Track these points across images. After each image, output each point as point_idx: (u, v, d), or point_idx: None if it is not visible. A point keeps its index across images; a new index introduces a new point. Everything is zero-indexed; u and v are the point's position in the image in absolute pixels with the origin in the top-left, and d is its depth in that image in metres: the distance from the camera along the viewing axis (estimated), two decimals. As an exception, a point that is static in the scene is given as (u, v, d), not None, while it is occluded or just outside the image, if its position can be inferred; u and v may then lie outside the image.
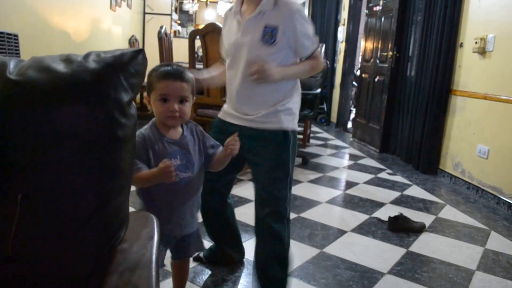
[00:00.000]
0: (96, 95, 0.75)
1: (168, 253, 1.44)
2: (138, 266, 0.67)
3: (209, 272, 1.82)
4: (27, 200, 0.70)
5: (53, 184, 0.71)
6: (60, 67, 0.78)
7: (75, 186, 0.72)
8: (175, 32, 7.83)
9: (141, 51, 0.86)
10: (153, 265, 0.68)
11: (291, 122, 1.59)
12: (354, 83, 6.25)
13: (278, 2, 1.52)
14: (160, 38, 3.43)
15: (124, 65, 0.82)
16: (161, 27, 3.51)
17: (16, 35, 1.57)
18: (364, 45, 5.37)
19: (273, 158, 1.56)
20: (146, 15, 7.06)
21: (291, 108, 1.59)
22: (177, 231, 1.35)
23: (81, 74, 0.76)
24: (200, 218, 1.54)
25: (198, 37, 2.97)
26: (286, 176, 1.57)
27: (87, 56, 0.82)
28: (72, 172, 0.71)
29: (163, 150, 1.25)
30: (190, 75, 1.28)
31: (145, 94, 1.30)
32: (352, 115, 6.01)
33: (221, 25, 2.97)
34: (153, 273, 0.66)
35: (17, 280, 0.68)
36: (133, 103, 0.86)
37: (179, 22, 8.52)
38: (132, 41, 4.95)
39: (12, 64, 0.80)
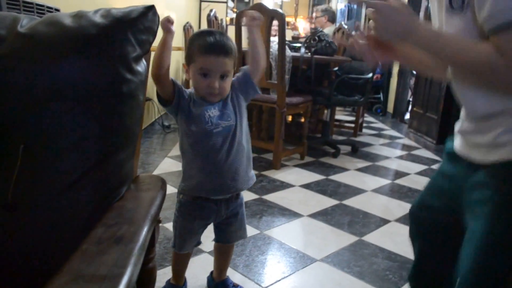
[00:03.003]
0: (99, 49, 0.74)
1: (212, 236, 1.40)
2: (129, 221, 0.65)
3: (260, 263, 1.79)
4: (28, 151, 0.70)
5: (54, 135, 0.71)
6: (68, 21, 0.77)
7: (75, 138, 0.71)
8: (231, 20, 7.87)
9: (152, 8, 0.83)
10: (146, 224, 0.66)
11: None
12: (413, 71, 5.92)
13: None
14: (209, 21, 3.43)
15: (132, 21, 0.79)
16: (211, 10, 3.51)
17: (57, 10, 1.61)
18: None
19: (493, 225, 0.81)
20: (202, 3, 7.15)
21: None
22: (230, 187, 1.27)
23: (87, 28, 0.75)
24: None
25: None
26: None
27: (97, 11, 0.81)
28: (73, 124, 0.71)
29: (200, 102, 1.21)
30: (233, 45, 1.19)
31: (183, 62, 1.24)
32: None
33: (267, 6, 2.92)
34: (144, 231, 0.63)
35: (14, 228, 0.68)
36: (143, 60, 0.84)
37: (235, 10, 8.55)
38: (186, 27, 5.01)
39: (25, 20, 0.81)
